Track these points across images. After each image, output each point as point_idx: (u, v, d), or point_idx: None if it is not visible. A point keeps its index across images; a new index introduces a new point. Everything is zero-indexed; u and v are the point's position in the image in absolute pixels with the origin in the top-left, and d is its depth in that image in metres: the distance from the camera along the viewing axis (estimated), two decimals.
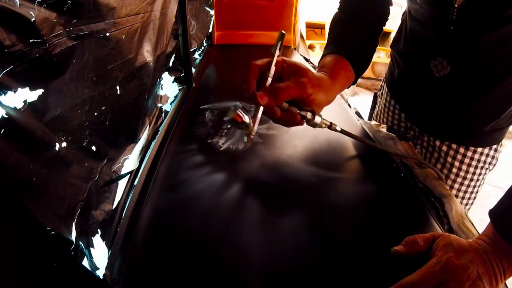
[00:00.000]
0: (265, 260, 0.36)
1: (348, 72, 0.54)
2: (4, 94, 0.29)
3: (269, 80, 0.43)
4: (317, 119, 0.47)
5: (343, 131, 0.52)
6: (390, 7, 0.60)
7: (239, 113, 0.43)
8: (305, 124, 0.48)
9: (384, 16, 0.60)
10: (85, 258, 0.40)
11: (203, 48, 1.24)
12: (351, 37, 0.57)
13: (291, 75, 0.45)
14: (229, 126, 0.61)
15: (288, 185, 0.48)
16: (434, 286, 0.31)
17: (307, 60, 1.18)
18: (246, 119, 0.43)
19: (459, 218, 0.44)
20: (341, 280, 0.34)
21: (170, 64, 0.86)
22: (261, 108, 0.43)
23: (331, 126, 0.50)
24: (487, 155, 0.62)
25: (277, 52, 0.44)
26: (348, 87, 0.58)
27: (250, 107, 0.45)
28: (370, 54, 0.59)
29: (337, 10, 0.61)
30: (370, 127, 0.66)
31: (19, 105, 0.30)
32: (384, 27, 0.61)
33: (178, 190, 0.46)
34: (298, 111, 0.45)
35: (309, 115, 0.46)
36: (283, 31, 0.45)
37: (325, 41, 0.60)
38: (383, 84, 0.79)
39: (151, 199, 0.44)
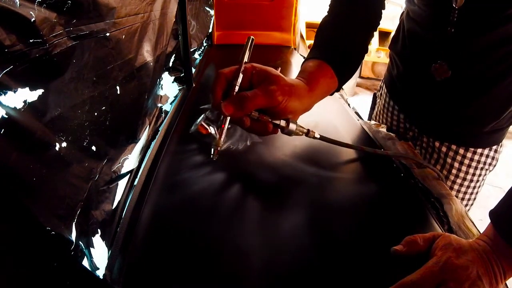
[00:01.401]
0: (265, 260, 0.36)
1: (329, 79, 0.51)
2: (4, 94, 0.29)
3: (236, 88, 0.40)
4: (292, 127, 0.44)
5: (322, 138, 0.49)
6: (383, 10, 0.58)
7: (204, 124, 0.41)
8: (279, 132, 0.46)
9: (375, 20, 0.57)
10: (85, 258, 0.40)
11: (203, 48, 1.24)
12: (338, 42, 0.54)
13: (261, 82, 0.42)
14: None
15: (288, 185, 0.48)
16: (434, 286, 0.31)
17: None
18: (212, 130, 0.42)
19: (459, 217, 0.44)
20: (341, 280, 0.34)
21: (170, 64, 0.87)
22: (228, 119, 0.40)
23: (308, 133, 0.47)
24: (487, 156, 0.62)
25: (245, 59, 0.42)
26: (332, 94, 0.55)
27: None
28: (357, 61, 0.57)
29: (326, 14, 0.58)
30: (370, 127, 0.66)
31: (19, 105, 0.30)
32: (382, 28, 0.60)
33: (178, 190, 0.46)
34: (270, 120, 0.43)
35: (282, 122, 0.43)
36: (251, 37, 0.43)
37: None
38: (382, 84, 0.79)
39: (151, 199, 0.44)
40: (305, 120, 0.49)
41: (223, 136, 0.40)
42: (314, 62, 0.51)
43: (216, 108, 0.40)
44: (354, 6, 0.56)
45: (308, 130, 0.47)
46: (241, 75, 0.41)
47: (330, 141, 0.50)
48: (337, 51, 0.53)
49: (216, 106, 0.40)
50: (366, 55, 0.59)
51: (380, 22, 0.58)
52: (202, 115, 0.43)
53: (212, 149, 0.41)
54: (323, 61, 0.51)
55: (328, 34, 0.56)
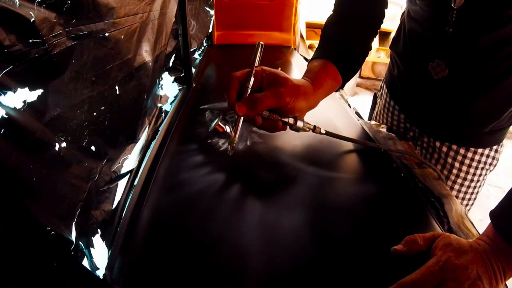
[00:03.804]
0: (265, 260, 0.36)
1: (334, 78, 0.54)
2: (4, 94, 0.29)
3: (248, 91, 0.44)
4: (300, 124, 0.48)
5: (328, 133, 0.52)
6: (386, 9, 0.59)
7: (220, 124, 0.46)
8: (288, 128, 0.49)
9: (378, 19, 0.59)
10: (85, 258, 0.40)
11: (203, 48, 1.24)
12: (341, 41, 0.56)
13: (270, 84, 0.45)
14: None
15: (288, 185, 0.48)
16: (434, 285, 0.31)
17: (307, 60, 1.18)
18: (228, 129, 0.47)
19: (459, 218, 0.44)
20: (341, 279, 0.34)
21: (170, 64, 0.86)
22: (241, 118, 0.44)
23: (314, 129, 0.50)
24: (488, 156, 0.62)
25: (256, 63, 0.45)
26: (337, 91, 0.58)
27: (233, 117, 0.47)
28: (360, 59, 0.59)
29: (331, 13, 0.60)
30: (370, 127, 0.66)
31: (19, 105, 0.30)
32: (382, 28, 0.60)
33: (178, 190, 0.46)
34: (279, 118, 0.46)
35: (291, 120, 0.47)
36: (261, 42, 0.46)
37: None
38: (382, 84, 0.79)
39: (151, 199, 0.44)
40: (306, 120, 0.50)
41: (237, 133, 0.45)
42: (319, 62, 0.54)
43: (231, 108, 0.44)
44: (358, 5, 0.58)
45: (315, 126, 0.50)
46: (252, 78, 0.44)
47: (336, 136, 0.53)
48: (341, 50, 0.55)
49: (231, 106, 0.44)
50: None
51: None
52: (220, 116, 0.49)
53: (228, 146, 0.45)
54: (327, 61, 0.54)
55: (332, 34, 0.58)
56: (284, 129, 0.49)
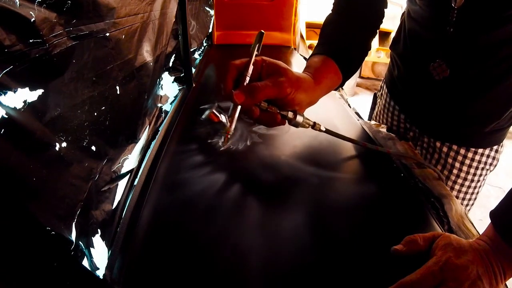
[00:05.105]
0: (265, 260, 0.36)
1: (334, 74, 0.53)
2: (4, 94, 0.29)
3: (247, 79, 0.42)
4: (299, 118, 0.46)
5: (328, 131, 0.50)
6: (385, 9, 0.59)
7: (215, 112, 0.43)
8: (287, 124, 0.47)
9: (378, 18, 0.59)
10: (85, 258, 0.40)
11: (203, 48, 1.24)
12: (343, 39, 0.56)
13: (270, 74, 0.44)
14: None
15: (288, 185, 0.48)
16: (434, 285, 0.31)
17: (306, 60, 1.18)
18: (223, 118, 0.43)
19: (459, 218, 0.44)
20: (341, 279, 0.34)
21: (170, 64, 0.87)
22: (239, 108, 0.42)
23: (314, 126, 0.48)
24: (488, 156, 0.62)
25: (255, 52, 0.44)
26: (336, 89, 0.57)
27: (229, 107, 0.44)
28: (360, 58, 0.58)
29: (331, 11, 0.60)
30: (370, 127, 0.66)
31: (19, 105, 0.30)
32: (382, 28, 0.60)
33: (178, 190, 0.46)
34: (278, 111, 0.44)
35: (290, 114, 0.45)
36: (262, 31, 0.45)
37: None
38: (382, 84, 0.79)
39: (151, 199, 0.44)
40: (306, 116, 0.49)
41: (233, 124, 0.42)
42: (319, 58, 0.53)
43: (227, 97, 0.42)
44: (357, 5, 0.57)
45: (314, 122, 0.48)
46: (251, 67, 0.43)
47: (335, 134, 0.52)
48: (341, 48, 0.55)
49: (227, 94, 0.42)
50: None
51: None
52: (216, 104, 0.46)
53: (222, 137, 0.43)
54: (328, 57, 0.53)
55: (331, 33, 0.57)
56: (283, 124, 0.47)
